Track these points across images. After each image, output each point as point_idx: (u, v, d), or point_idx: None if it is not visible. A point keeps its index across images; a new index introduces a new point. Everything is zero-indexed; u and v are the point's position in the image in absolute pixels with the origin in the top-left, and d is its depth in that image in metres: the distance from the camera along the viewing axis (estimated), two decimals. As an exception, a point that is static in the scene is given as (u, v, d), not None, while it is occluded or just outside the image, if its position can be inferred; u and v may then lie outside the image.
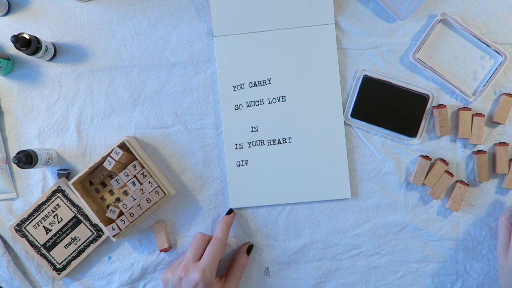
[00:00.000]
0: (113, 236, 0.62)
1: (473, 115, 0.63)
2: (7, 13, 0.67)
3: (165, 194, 0.61)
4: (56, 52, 0.67)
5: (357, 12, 0.65)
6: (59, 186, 0.65)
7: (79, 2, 0.67)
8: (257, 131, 0.66)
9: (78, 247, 0.65)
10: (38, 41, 0.62)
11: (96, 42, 0.67)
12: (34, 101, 0.67)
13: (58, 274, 0.65)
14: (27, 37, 0.61)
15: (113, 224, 0.61)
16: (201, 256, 0.59)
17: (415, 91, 0.64)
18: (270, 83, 0.66)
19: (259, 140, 0.66)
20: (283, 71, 0.65)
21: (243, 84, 0.66)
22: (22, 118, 0.67)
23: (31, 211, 0.65)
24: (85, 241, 0.65)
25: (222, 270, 0.65)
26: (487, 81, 0.63)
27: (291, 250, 0.66)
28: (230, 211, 0.65)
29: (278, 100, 0.65)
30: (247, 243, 0.66)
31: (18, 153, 0.60)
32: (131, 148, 0.61)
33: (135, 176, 0.61)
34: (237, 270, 0.63)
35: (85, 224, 0.65)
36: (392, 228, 0.65)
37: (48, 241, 0.65)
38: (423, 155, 0.64)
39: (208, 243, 0.61)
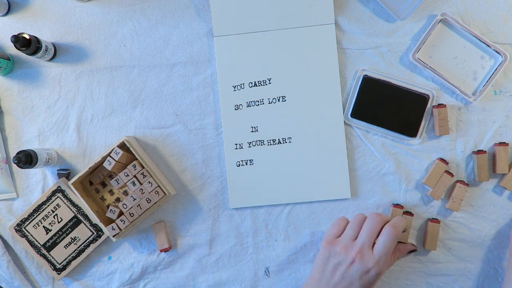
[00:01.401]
0: (113, 236, 0.62)
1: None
2: (7, 13, 0.67)
3: (165, 194, 0.61)
4: (56, 52, 0.67)
5: (357, 12, 0.65)
6: (59, 186, 0.65)
7: (79, 2, 0.67)
8: (257, 131, 0.66)
9: (78, 247, 0.65)
10: (38, 41, 0.62)
11: (96, 42, 0.67)
12: (34, 101, 0.67)
13: (58, 274, 0.65)
14: (27, 37, 0.61)
15: (113, 224, 0.61)
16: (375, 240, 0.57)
17: (415, 91, 0.64)
18: (270, 83, 0.66)
19: (259, 140, 0.66)
20: (283, 71, 0.65)
21: (243, 84, 0.66)
22: (22, 118, 0.67)
23: (31, 211, 0.65)
24: (85, 241, 0.65)
25: None
26: (487, 81, 0.63)
27: (291, 250, 0.66)
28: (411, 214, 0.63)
29: (278, 100, 0.65)
30: (413, 245, 0.64)
31: (18, 153, 0.60)
32: (131, 148, 0.61)
33: (135, 176, 0.61)
34: (393, 258, 0.60)
35: (85, 224, 0.65)
36: (392, 228, 0.65)
37: (48, 241, 0.65)
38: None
39: (384, 224, 0.58)
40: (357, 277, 0.55)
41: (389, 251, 0.56)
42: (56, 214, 0.65)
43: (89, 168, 0.62)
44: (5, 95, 0.67)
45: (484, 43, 0.63)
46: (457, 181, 0.64)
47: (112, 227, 0.61)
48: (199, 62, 0.67)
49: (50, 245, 0.65)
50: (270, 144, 0.65)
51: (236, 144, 0.66)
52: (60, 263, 0.65)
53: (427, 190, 0.64)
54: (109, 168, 0.60)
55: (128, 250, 0.67)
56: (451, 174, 0.63)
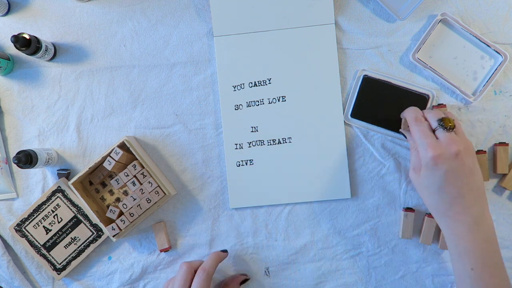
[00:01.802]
0: (113, 236, 0.62)
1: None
2: (7, 13, 0.67)
3: (165, 194, 0.61)
4: (56, 52, 0.67)
5: (357, 12, 0.65)
6: (59, 186, 0.65)
7: (79, 2, 0.67)
8: (257, 131, 0.66)
9: (78, 247, 0.65)
10: (38, 41, 0.62)
11: (96, 42, 0.67)
12: (34, 101, 0.67)
13: (58, 274, 0.65)
14: (27, 37, 0.61)
15: (113, 224, 0.61)
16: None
17: (415, 91, 0.64)
18: (270, 83, 0.66)
19: (259, 140, 0.66)
20: (283, 71, 0.65)
21: (243, 84, 0.66)
22: (22, 118, 0.67)
23: (31, 211, 0.65)
24: (85, 241, 0.65)
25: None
26: (487, 81, 0.63)
27: (291, 250, 0.66)
28: (225, 251, 0.63)
29: (278, 100, 0.65)
30: (243, 275, 0.64)
31: (18, 153, 0.60)
32: (131, 148, 0.61)
33: (135, 176, 0.61)
34: None
35: (85, 224, 0.65)
36: (392, 228, 0.65)
37: (48, 241, 0.65)
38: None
39: (195, 272, 0.58)
40: None
41: None
42: (56, 214, 0.65)
43: (89, 168, 0.62)
44: (5, 95, 0.67)
45: (484, 43, 0.63)
46: (457, 181, 0.64)
47: (112, 227, 0.61)
48: (199, 62, 0.67)
49: (50, 245, 0.65)
50: (270, 144, 0.65)
51: (236, 144, 0.66)
52: (60, 263, 0.65)
53: (427, 190, 0.64)
54: (109, 168, 0.60)
55: (128, 250, 0.67)
56: (451, 174, 0.63)
